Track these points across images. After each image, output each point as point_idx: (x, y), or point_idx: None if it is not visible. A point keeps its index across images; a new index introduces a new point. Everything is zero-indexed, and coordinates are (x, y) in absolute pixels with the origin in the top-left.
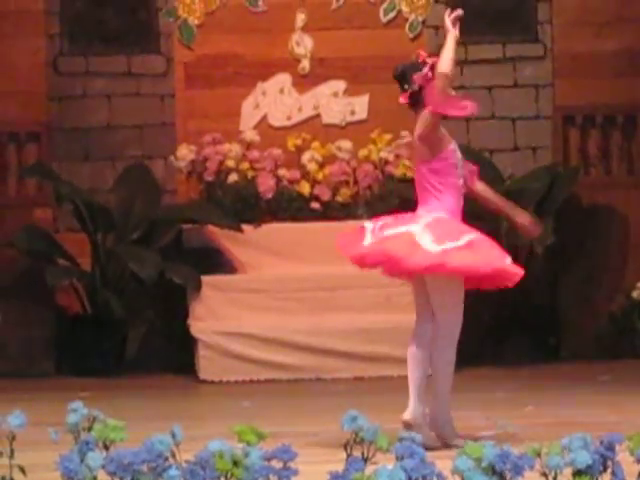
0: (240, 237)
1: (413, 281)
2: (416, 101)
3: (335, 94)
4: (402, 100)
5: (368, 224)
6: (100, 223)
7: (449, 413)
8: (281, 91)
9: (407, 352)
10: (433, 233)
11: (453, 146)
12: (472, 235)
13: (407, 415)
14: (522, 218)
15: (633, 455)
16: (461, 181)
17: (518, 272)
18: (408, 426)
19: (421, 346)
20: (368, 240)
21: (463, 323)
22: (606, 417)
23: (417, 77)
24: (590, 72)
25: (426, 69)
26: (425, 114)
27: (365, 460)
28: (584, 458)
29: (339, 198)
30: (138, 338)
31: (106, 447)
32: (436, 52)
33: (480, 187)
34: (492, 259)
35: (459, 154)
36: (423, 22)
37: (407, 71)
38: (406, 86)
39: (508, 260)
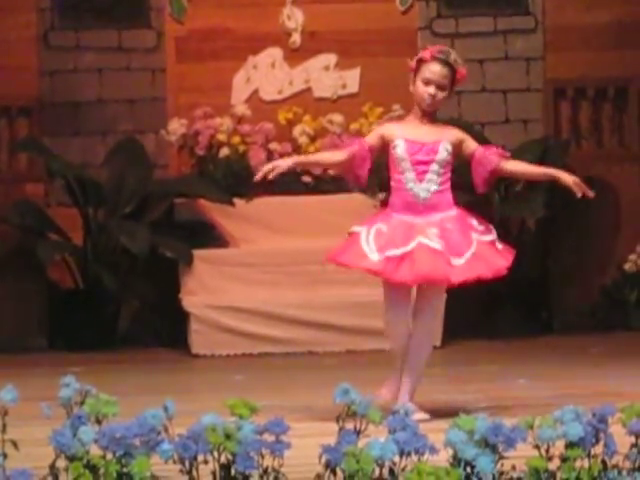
0: (232, 211)
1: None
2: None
3: (326, 68)
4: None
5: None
6: (91, 198)
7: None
8: (272, 65)
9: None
10: (379, 238)
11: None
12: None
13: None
14: (568, 178)
15: (625, 427)
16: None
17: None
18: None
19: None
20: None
21: (456, 296)
22: (598, 389)
23: (410, 63)
24: (581, 45)
25: (412, 62)
26: None
27: (357, 433)
28: (576, 430)
29: (330, 172)
30: (130, 312)
31: (98, 421)
32: (426, 25)
33: (510, 166)
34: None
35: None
36: None
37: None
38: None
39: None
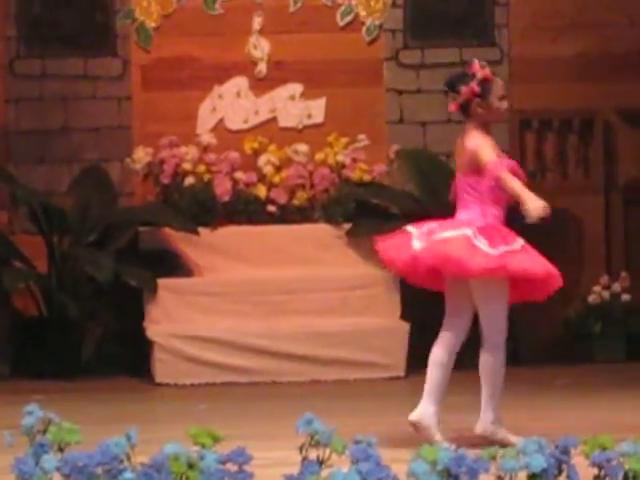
0: (196, 240)
1: (449, 285)
2: (465, 111)
3: (292, 97)
4: (452, 108)
5: (411, 228)
6: (56, 226)
7: (494, 413)
8: (238, 94)
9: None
10: (486, 237)
11: None
12: (522, 240)
13: (414, 415)
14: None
15: (588, 459)
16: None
17: (560, 279)
18: (414, 426)
19: (445, 349)
20: (418, 244)
21: (419, 326)
22: (561, 421)
23: (465, 90)
24: (547, 76)
25: (473, 83)
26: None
27: (320, 463)
28: (539, 462)
29: (295, 201)
30: (94, 341)
31: (61, 450)
32: (392, 56)
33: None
34: (544, 263)
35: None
36: (380, 26)
37: (455, 82)
38: (455, 95)
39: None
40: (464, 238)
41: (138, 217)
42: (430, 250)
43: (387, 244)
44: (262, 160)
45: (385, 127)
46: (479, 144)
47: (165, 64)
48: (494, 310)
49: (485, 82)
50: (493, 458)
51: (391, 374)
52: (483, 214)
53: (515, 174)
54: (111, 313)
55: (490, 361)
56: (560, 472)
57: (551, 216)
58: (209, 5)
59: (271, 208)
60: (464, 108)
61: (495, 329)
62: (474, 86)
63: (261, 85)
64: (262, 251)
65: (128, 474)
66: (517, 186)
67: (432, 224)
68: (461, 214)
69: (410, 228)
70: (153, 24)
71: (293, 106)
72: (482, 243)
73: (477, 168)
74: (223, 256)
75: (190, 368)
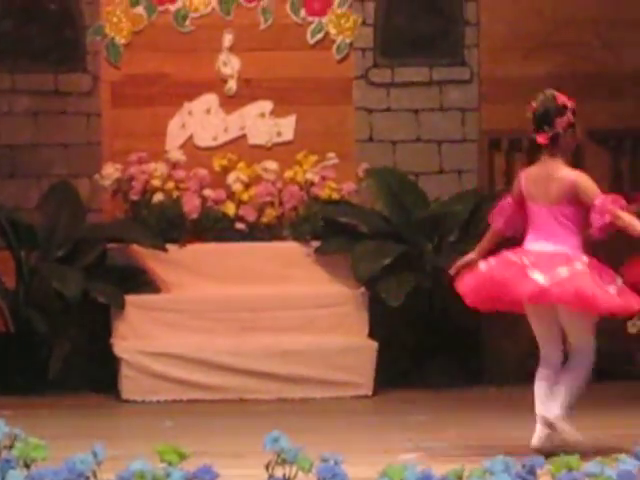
0: (164, 257)
1: (535, 311)
2: (555, 143)
3: (262, 115)
4: (541, 140)
5: (514, 257)
6: (24, 241)
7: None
8: (207, 111)
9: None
10: (597, 272)
11: None
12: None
13: (547, 412)
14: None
15: (554, 479)
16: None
17: None
18: (549, 424)
19: (551, 367)
20: (541, 277)
21: (388, 345)
22: (528, 441)
23: (560, 122)
24: (516, 97)
25: (569, 115)
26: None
27: None
28: None
29: (264, 219)
30: (61, 357)
31: (27, 466)
32: (362, 74)
33: None
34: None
35: None
36: (350, 44)
37: (551, 113)
38: (546, 127)
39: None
40: (586, 274)
41: (106, 233)
42: (560, 286)
43: (503, 275)
44: (231, 177)
45: (354, 145)
46: (581, 177)
47: (135, 80)
48: (588, 326)
49: (574, 113)
50: (460, 477)
51: (358, 393)
52: (579, 246)
53: (619, 205)
54: (79, 329)
55: (577, 371)
56: None
57: None
58: (179, 22)
59: (240, 225)
60: (554, 141)
61: (587, 341)
62: (570, 117)
63: (231, 102)
64: (230, 268)
65: None
66: (627, 217)
67: (523, 256)
68: (556, 245)
69: (513, 256)
70: (123, 40)
71: (263, 124)
72: (603, 280)
73: (576, 199)
74: (191, 273)
75: (157, 385)
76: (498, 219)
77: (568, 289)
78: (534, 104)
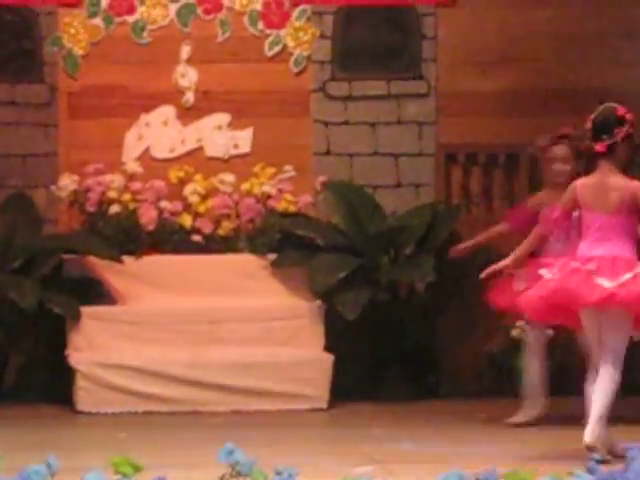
0: (121, 268)
1: (591, 320)
2: (612, 152)
3: (219, 127)
4: (599, 149)
5: (577, 264)
6: None
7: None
8: (164, 123)
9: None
10: None
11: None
12: None
13: (588, 437)
14: None
15: None
16: None
17: None
18: (591, 449)
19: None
20: (607, 283)
21: (344, 358)
22: (482, 455)
23: (619, 132)
24: (473, 111)
25: (627, 125)
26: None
27: None
28: None
29: (221, 231)
30: (16, 367)
31: None
32: (319, 87)
33: None
34: None
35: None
36: (308, 57)
37: (611, 123)
38: (604, 136)
39: None
40: None
41: (63, 245)
42: (626, 288)
43: (571, 287)
44: (188, 189)
45: (312, 158)
46: None
47: (92, 92)
48: (625, 337)
49: (633, 126)
50: None
51: (314, 405)
52: (634, 252)
53: None
54: (34, 340)
55: (610, 382)
56: None
57: None
58: (137, 33)
59: (196, 237)
60: (612, 149)
61: (622, 353)
62: (629, 128)
63: (188, 114)
64: (186, 280)
65: None
66: None
67: (587, 262)
68: (615, 252)
69: (575, 264)
70: (81, 52)
71: (220, 136)
72: None
73: (636, 208)
74: (147, 285)
75: (112, 396)
76: (550, 225)
77: (633, 290)
78: (593, 114)
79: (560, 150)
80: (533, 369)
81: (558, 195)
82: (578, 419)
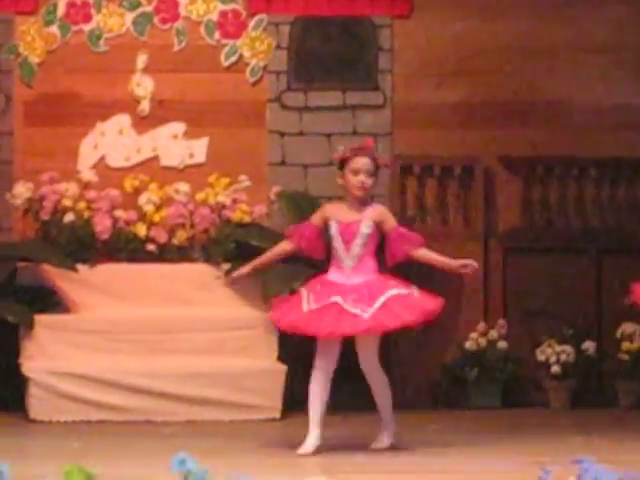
0: (75, 277)
1: None
2: None
3: (174, 136)
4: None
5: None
6: None
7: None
8: (120, 132)
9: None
10: None
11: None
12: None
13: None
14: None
15: None
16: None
17: None
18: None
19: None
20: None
21: (297, 368)
22: (435, 466)
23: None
24: (429, 122)
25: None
26: None
27: None
28: None
29: (175, 241)
30: None
31: None
32: (275, 97)
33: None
34: None
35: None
36: (264, 67)
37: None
38: None
39: None
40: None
41: (16, 253)
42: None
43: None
44: (143, 198)
45: (267, 168)
46: None
47: (48, 100)
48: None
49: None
50: None
51: (267, 416)
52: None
53: None
54: None
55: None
56: None
57: None
58: (93, 42)
59: (150, 247)
60: None
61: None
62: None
63: (143, 123)
64: (140, 289)
65: None
66: None
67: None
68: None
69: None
70: (37, 59)
71: (175, 145)
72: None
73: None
74: (101, 294)
75: (65, 405)
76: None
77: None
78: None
79: (364, 162)
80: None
81: (353, 209)
82: (529, 430)
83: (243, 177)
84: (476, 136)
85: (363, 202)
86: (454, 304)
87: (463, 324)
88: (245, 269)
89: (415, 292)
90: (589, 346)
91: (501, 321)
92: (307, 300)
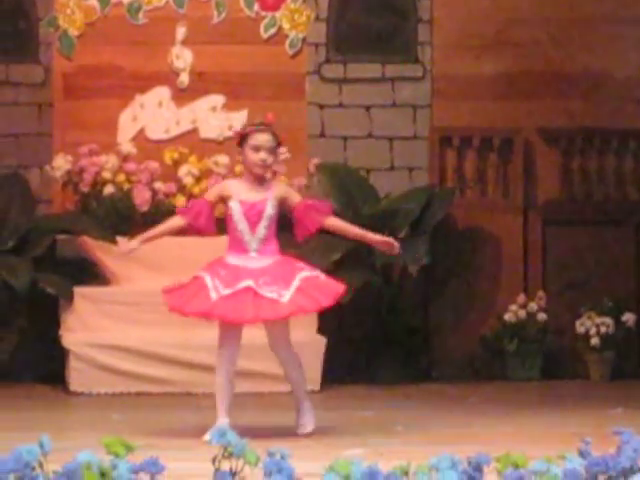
0: (114, 249)
1: None
2: None
3: (213, 109)
4: None
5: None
6: None
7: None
8: (159, 104)
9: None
10: None
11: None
12: None
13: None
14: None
15: (500, 476)
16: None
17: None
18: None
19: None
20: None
21: (336, 341)
22: (474, 438)
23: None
24: (468, 94)
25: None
26: None
27: (233, 475)
28: (451, 478)
29: (214, 213)
30: (10, 347)
31: None
32: (314, 70)
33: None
34: None
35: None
36: (303, 39)
37: None
38: None
39: None
40: None
41: (56, 225)
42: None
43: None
44: (182, 171)
45: (306, 141)
46: None
47: (87, 72)
48: None
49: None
50: (405, 474)
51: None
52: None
53: None
54: (27, 320)
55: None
56: None
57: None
58: (133, 14)
59: None
60: None
61: None
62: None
63: (183, 96)
64: (179, 261)
65: None
66: None
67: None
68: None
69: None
70: (76, 32)
71: (214, 117)
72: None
73: None
74: (140, 266)
75: (105, 377)
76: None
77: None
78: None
79: (265, 139)
80: None
81: (255, 188)
82: (568, 402)
83: (282, 149)
84: (515, 107)
85: (264, 180)
86: (493, 276)
87: (502, 296)
88: (133, 243)
89: (321, 274)
90: (629, 318)
91: (540, 293)
92: (214, 286)
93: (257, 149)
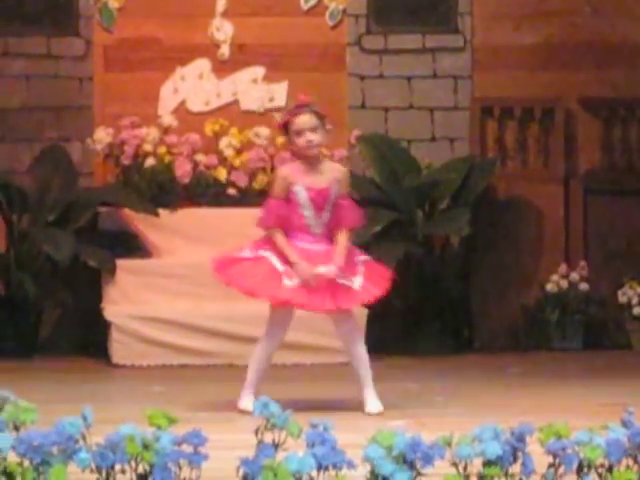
0: (156, 221)
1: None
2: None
3: (254, 80)
4: None
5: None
6: (16, 204)
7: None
8: (200, 76)
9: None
10: None
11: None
12: None
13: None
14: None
15: (543, 446)
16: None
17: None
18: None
19: None
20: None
21: (378, 312)
22: (517, 408)
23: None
24: (509, 65)
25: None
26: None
27: (276, 446)
28: (494, 449)
29: (256, 185)
30: (52, 320)
31: (16, 428)
32: (355, 41)
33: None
34: None
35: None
36: (344, 11)
37: None
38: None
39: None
40: None
41: (98, 197)
42: None
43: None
44: (223, 143)
45: (347, 112)
46: None
47: (128, 45)
48: None
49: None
50: (448, 444)
51: (348, 359)
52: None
53: None
54: (69, 293)
55: None
56: (515, 459)
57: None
58: None
59: (231, 191)
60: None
61: None
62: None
63: (223, 68)
64: (221, 233)
65: (83, 454)
66: None
67: None
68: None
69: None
70: (116, 4)
71: (255, 89)
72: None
73: None
74: (182, 238)
75: (147, 349)
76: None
77: None
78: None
79: (304, 120)
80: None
81: (314, 172)
82: (611, 372)
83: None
84: (556, 78)
85: (318, 161)
86: (535, 246)
87: (544, 266)
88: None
89: (366, 255)
90: None
91: (582, 263)
92: (286, 271)
93: (300, 133)
